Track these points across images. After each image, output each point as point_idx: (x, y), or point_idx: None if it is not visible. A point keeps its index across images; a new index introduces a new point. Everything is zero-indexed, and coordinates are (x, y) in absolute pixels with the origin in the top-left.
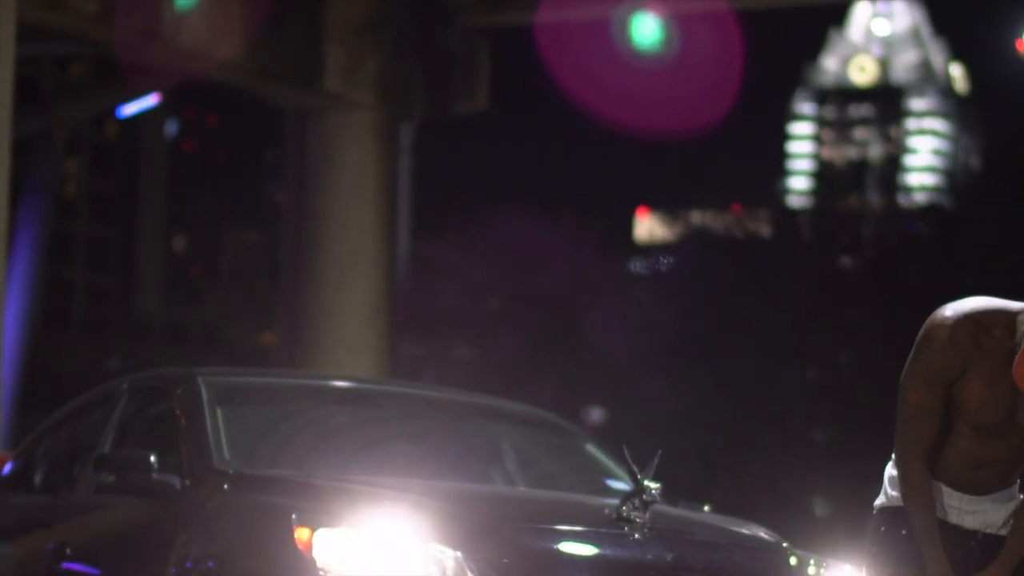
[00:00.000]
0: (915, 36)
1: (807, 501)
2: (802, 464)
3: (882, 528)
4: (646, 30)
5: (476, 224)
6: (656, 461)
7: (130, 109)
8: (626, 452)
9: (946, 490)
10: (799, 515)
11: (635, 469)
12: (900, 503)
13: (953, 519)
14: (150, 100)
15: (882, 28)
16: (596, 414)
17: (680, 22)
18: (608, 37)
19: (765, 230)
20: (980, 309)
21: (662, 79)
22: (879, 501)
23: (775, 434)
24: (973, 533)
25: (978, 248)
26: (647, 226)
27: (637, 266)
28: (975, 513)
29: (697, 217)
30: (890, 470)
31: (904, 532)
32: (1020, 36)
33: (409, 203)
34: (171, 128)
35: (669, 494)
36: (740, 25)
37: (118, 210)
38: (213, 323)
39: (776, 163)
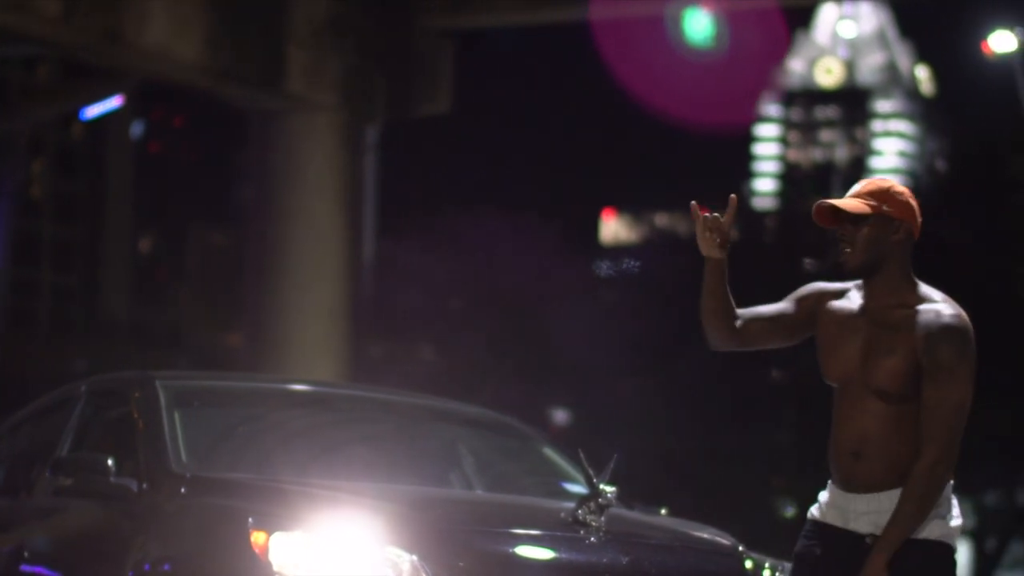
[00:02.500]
0: (881, 38)
1: (770, 503)
2: (765, 466)
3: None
4: (698, 26)
5: (441, 225)
6: (612, 465)
7: (94, 111)
8: (582, 456)
9: (839, 492)
10: (761, 517)
11: (591, 472)
12: (816, 516)
13: (851, 524)
14: (113, 102)
15: (848, 30)
16: (561, 416)
17: (730, 18)
18: (662, 32)
19: (730, 232)
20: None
21: (710, 73)
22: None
23: (738, 436)
24: (863, 537)
25: (943, 250)
26: (612, 227)
27: (602, 267)
28: (869, 514)
29: (662, 219)
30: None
31: (804, 541)
32: (985, 38)
33: (374, 204)
34: (137, 129)
35: (627, 497)
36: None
37: (84, 211)
38: (179, 324)
39: (742, 165)
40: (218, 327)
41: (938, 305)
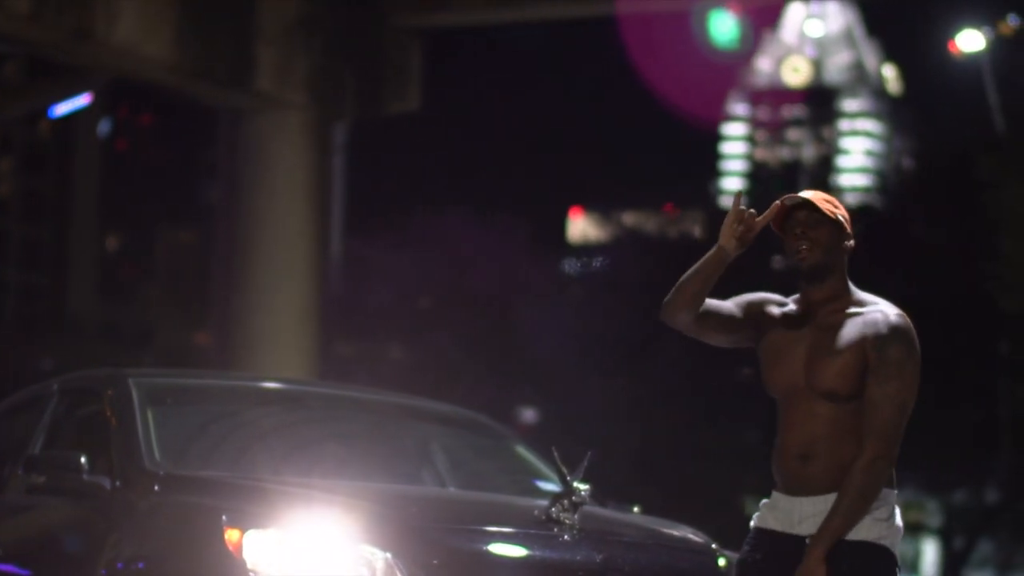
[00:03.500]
0: (848, 37)
1: (738, 501)
2: (734, 463)
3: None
4: (724, 27)
5: (409, 224)
6: (586, 463)
7: (63, 109)
8: (555, 454)
9: (784, 497)
10: (730, 516)
11: (564, 470)
12: (758, 523)
13: (795, 528)
14: (82, 100)
15: (815, 29)
16: (528, 414)
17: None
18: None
19: (698, 230)
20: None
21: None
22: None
23: (707, 433)
24: (806, 539)
25: (910, 249)
26: (580, 226)
27: (570, 266)
28: (815, 516)
29: (630, 218)
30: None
31: (747, 548)
32: (952, 37)
33: (342, 203)
34: (104, 127)
35: (599, 495)
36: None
37: (51, 209)
38: (146, 323)
39: (710, 164)
40: (186, 326)
41: (882, 306)
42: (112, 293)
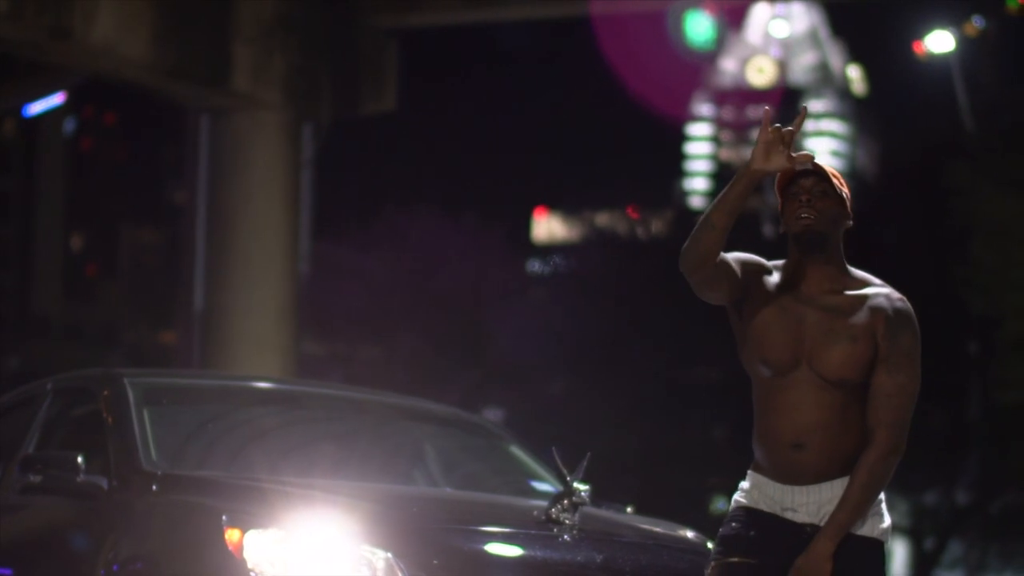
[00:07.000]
0: (813, 38)
1: (708, 500)
2: (704, 464)
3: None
4: (700, 28)
5: (377, 224)
6: (585, 463)
7: (36, 108)
8: (555, 454)
9: (773, 484)
10: (698, 515)
11: (565, 471)
12: (745, 502)
13: (788, 515)
14: (56, 99)
15: (780, 30)
16: (494, 415)
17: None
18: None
19: (664, 230)
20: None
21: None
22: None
23: (677, 434)
24: (802, 526)
25: (875, 249)
26: (546, 227)
27: (535, 267)
28: (808, 505)
29: (597, 217)
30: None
31: (734, 524)
32: (917, 38)
33: (310, 202)
34: (69, 126)
35: (595, 496)
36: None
37: (15, 208)
38: (111, 322)
39: (674, 164)
40: (149, 324)
41: (884, 289)
42: (77, 292)
